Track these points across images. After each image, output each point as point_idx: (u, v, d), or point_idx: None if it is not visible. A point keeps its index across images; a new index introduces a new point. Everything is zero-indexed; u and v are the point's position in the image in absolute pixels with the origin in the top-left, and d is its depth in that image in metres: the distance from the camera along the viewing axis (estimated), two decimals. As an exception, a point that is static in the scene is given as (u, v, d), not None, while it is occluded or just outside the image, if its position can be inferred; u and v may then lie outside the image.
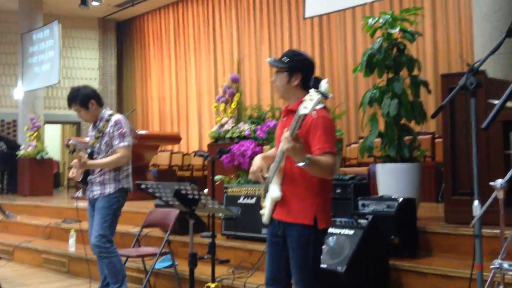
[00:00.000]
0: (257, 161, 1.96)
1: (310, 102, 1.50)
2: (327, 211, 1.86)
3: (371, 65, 3.72)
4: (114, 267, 3.03)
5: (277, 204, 1.86)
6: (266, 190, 1.92)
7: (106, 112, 3.14)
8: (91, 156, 3.04)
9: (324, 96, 1.50)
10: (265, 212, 1.91)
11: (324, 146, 1.76)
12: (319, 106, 1.71)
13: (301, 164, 1.64)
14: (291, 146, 1.59)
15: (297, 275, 1.81)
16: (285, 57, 1.89)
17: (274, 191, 1.84)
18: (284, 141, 1.61)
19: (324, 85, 1.57)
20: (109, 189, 3.06)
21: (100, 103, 3.14)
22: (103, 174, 3.05)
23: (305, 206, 1.81)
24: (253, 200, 3.65)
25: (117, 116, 3.07)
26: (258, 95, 8.70)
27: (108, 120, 3.05)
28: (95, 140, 3.06)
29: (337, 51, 8.00)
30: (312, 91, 1.52)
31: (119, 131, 3.03)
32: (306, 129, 1.78)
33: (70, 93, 3.11)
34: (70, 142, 2.93)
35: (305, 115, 1.54)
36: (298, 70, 1.87)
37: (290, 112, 1.87)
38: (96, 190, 3.09)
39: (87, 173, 3.08)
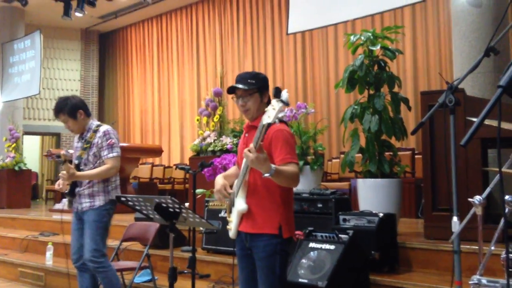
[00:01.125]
0: (220, 180, 1.96)
1: (272, 111, 1.52)
2: (290, 221, 1.89)
3: (352, 81, 3.71)
4: (110, 282, 2.96)
5: (243, 217, 1.88)
6: (232, 205, 1.92)
7: (94, 122, 3.08)
8: (78, 167, 2.97)
9: (285, 104, 1.52)
10: (232, 226, 1.93)
11: (286, 156, 1.79)
12: (278, 123, 1.76)
13: (267, 174, 1.66)
14: (255, 156, 1.60)
15: (264, 285, 1.84)
16: (250, 79, 1.89)
17: (240, 204, 1.86)
18: (248, 153, 1.62)
19: (285, 94, 1.58)
20: (99, 201, 3.00)
21: (88, 113, 3.10)
22: (92, 186, 3.00)
23: (270, 217, 1.84)
24: (234, 214, 3.39)
25: (105, 127, 3.02)
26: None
27: (96, 131, 3.00)
28: (82, 151, 3.01)
29: (320, 66, 7.96)
30: (274, 101, 1.54)
31: (108, 141, 2.98)
32: (268, 142, 1.81)
33: (58, 102, 3.05)
34: (62, 153, 2.83)
35: (269, 124, 1.56)
36: (266, 88, 1.91)
37: (253, 128, 1.90)
38: (85, 203, 3.02)
39: (74, 185, 3.02)
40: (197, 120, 5.07)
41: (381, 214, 3.06)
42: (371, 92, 3.69)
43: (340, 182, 5.53)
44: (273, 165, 1.68)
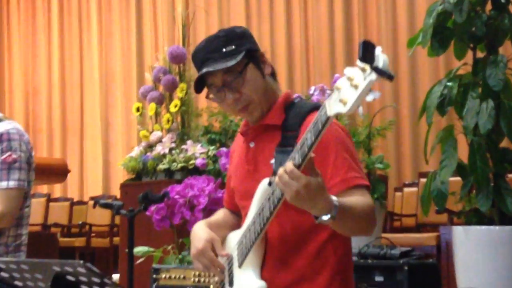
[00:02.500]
0: (202, 231, 1.71)
1: (351, 92, 1.25)
2: None
3: (443, 33, 3.19)
4: None
5: None
6: (230, 282, 1.72)
7: None
8: None
9: (384, 74, 1.24)
10: None
11: (349, 175, 1.57)
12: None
13: (325, 218, 1.42)
14: (304, 184, 1.36)
15: None
16: (227, 45, 1.64)
17: (250, 281, 1.65)
18: (286, 176, 1.38)
19: (381, 56, 1.24)
20: None
21: None
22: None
23: None
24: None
25: (5, 125, 2.68)
26: None
27: None
28: None
29: (376, 7, 6.78)
30: (351, 73, 1.27)
31: (4, 156, 2.74)
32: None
33: None
34: None
35: (327, 118, 1.35)
36: (257, 49, 1.69)
37: (264, 129, 1.66)
38: None
39: None
40: (137, 110, 4.52)
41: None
42: (480, 54, 3.21)
43: (419, 233, 5.18)
44: (334, 198, 1.43)
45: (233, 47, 1.65)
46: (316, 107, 1.61)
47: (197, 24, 7.51)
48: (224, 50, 1.66)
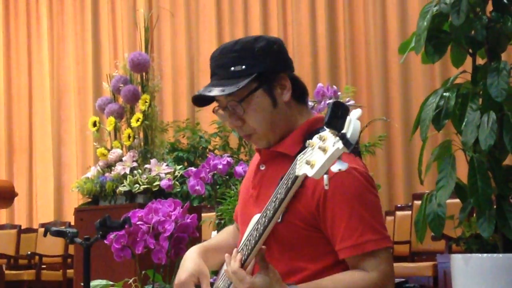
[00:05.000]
0: (191, 262, 1.76)
1: (320, 155, 1.32)
2: None
3: (438, 37, 3.19)
4: None
5: None
6: None
7: None
8: None
9: (351, 146, 1.28)
10: None
11: (362, 239, 1.55)
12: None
13: None
14: (248, 285, 1.50)
15: None
16: (236, 64, 1.62)
17: None
18: (231, 279, 1.54)
19: (354, 122, 1.27)
20: None
21: None
22: None
23: None
24: None
25: None
26: (189, 96, 7.50)
27: None
28: None
29: (365, 12, 6.84)
30: (326, 132, 1.31)
31: None
32: (317, 200, 1.58)
33: None
34: None
35: (303, 180, 1.43)
36: (280, 66, 1.66)
37: (277, 156, 1.67)
38: None
39: None
40: (94, 125, 4.51)
41: None
42: (480, 61, 3.18)
43: (414, 263, 5.09)
44: None
45: (243, 67, 1.62)
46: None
47: (162, 27, 7.57)
48: (232, 69, 1.63)
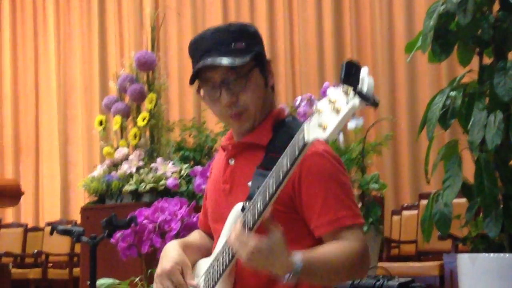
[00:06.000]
0: (174, 253, 1.76)
1: (332, 116, 1.30)
2: None
3: (445, 36, 3.16)
4: None
5: None
6: None
7: None
8: None
9: (368, 101, 1.29)
10: None
11: (338, 215, 1.59)
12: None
13: (286, 277, 1.48)
14: (253, 248, 1.44)
15: None
16: (237, 41, 1.66)
17: None
18: (235, 240, 1.47)
19: (368, 79, 1.29)
20: None
21: None
22: None
23: None
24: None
25: None
26: (195, 95, 7.57)
27: None
28: None
29: (370, 10, 6.84)
30: (335, 95, 1.30)
31: None
32: (292, 182, 1.60)
33: None
34: None
35: (305, 144, 1.39)
36: (264, 55, 1.73)
37: (247, 147, 1.69)
38: None
39: None
40: (100, 124, 4.56)
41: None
42: (487, 60, 3.17)
43: (420, 263, 5.08)
44: (297, 256, 1.47)
45: (243, 45, 1.66)
46: None
47: (168, 26, 7.59)
48: (233, 45, 1.65)
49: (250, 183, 1.57)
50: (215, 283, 1.67)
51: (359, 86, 1.29)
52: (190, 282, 1.71)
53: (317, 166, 1.61)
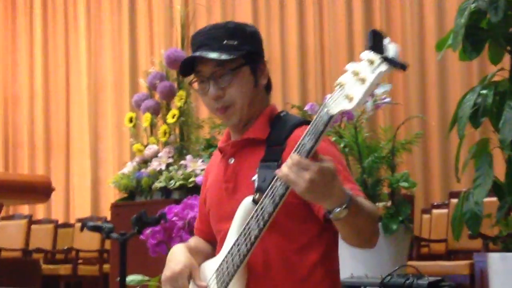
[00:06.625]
0: (182, 256, 1.76)
1: (358, 86, 1.32)
2: None
3: (476, 34, 3.16)
4: None
5: None
6: None
7: None
8: None
9: (399, 65, 1.31)
10: None
11: (348, 186, 1.54)
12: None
13: (339, 209, 1.44)
14: (317, 171, 1.37)
15: None
16: (229, 39, 1.69)
17: None
18: (294, 171, 1.40)
19: (391, 44, 1.33)
20: None
21: None
22: None
23: None
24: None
25: None
26: None
27: None
28: None
29: (399, 9, 6.83)
30: (357, 67, 1.33)
31: None
32: None
33: None
34: None
35: (331, 117, 1.38)
36: (261, 55, 1.74)
37: (244, 144, 1.70)
38: None
39: None
40: (130, 121, 4.58)
41: None
42: None
43: (450, 262, 5.11)
44: (347, 188, 1.48)
45: (235, 42, 1.70)
46: (305, 121, 1.68)
47: (198, 24, 7.29)
48: (225, 42, 1.70)
49: (254, 178, 1.59)
50: (232, 276, 1.67)
51: (385, 52, 1.32)
52: (200, 283, 1.72)
53: (322, 150, 1.58)
